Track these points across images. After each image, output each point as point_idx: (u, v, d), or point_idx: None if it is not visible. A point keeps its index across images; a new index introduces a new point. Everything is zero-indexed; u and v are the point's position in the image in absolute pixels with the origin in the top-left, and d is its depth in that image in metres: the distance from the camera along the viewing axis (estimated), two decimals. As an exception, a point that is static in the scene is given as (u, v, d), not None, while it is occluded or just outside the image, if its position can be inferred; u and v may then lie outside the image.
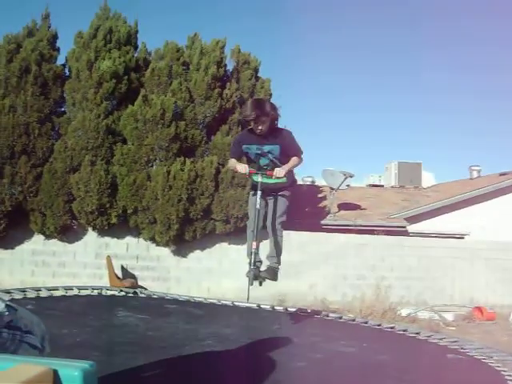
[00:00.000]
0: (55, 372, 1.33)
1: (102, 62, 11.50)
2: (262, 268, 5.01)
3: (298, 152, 5.03)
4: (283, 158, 4.93)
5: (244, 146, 4.99)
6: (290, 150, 4.98)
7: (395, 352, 5.11)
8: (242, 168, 4.89)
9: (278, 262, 5.14)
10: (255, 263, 4.75)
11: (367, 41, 43.26)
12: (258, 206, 4.83)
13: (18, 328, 1.68)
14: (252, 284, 4.79)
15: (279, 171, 4.79)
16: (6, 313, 1.67)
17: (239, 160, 5.12)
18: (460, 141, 45.12)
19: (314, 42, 42.84)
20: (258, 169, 4.91)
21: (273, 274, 5.07)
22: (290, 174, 5.05)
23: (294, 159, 4.98)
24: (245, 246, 5.13)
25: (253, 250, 4.76)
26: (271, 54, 39.82)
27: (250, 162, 5.08)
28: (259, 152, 4.91)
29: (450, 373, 4.44)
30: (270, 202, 5.07)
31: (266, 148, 4.89)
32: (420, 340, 5.64)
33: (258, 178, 4.87)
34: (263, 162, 4.94)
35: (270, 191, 5.00)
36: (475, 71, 42.23)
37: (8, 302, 1.72)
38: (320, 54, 43.32)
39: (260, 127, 4.79)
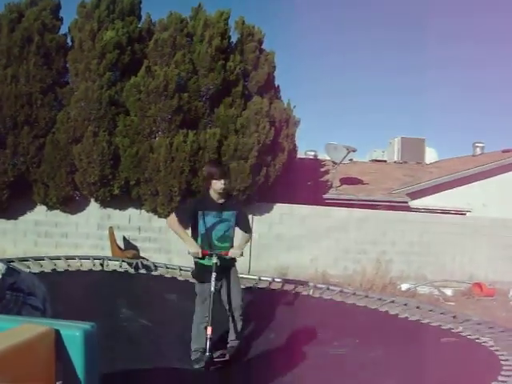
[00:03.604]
0: (57, 332, 1.35)
1: (105, 32, 11.40)
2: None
3: (249, 228, 4.93)
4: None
5: (200, 213, 4.71)
6: (243, 222, 4.88)
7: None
8: (195, 248, 4.64)
9: (239, 339, 4.93)
10: (211, 350, 4.47)
11: (371, 12, 42.74)
12: (212, 289, 4.59)
13: (20, 290, 1.70)
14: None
15: (236, 253, 4.71)
16: (9, 275, 1.69)
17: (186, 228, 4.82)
18: (464, 117, 44.85)
19: (317, 16, 42.36)
20: (210, 249, 4.69)
21: (234, 351, 4.86)
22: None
23: (247, 237, 4.91)
24: None
25: (208, 336, 4.48)
26: (275, 26, 39.42)
27: (194, 231, 4.82)
28: (218, 219, 4.70)
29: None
30: (224, 281, 4.82)
31: (225, 215, 4.73)
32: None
33: (213, 260, 4.62)
34: (216, 233, 4.72)
35: (222, 269, 4.74)
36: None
37: (11, 265, 1.74)
38: (324, 26, 42.89)
39: (224, 184, 4.63)
